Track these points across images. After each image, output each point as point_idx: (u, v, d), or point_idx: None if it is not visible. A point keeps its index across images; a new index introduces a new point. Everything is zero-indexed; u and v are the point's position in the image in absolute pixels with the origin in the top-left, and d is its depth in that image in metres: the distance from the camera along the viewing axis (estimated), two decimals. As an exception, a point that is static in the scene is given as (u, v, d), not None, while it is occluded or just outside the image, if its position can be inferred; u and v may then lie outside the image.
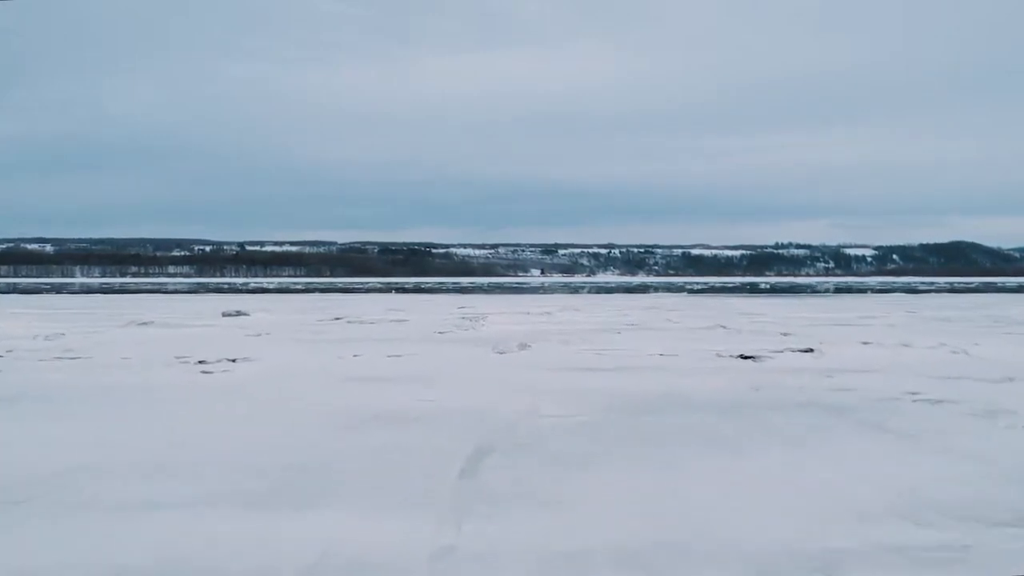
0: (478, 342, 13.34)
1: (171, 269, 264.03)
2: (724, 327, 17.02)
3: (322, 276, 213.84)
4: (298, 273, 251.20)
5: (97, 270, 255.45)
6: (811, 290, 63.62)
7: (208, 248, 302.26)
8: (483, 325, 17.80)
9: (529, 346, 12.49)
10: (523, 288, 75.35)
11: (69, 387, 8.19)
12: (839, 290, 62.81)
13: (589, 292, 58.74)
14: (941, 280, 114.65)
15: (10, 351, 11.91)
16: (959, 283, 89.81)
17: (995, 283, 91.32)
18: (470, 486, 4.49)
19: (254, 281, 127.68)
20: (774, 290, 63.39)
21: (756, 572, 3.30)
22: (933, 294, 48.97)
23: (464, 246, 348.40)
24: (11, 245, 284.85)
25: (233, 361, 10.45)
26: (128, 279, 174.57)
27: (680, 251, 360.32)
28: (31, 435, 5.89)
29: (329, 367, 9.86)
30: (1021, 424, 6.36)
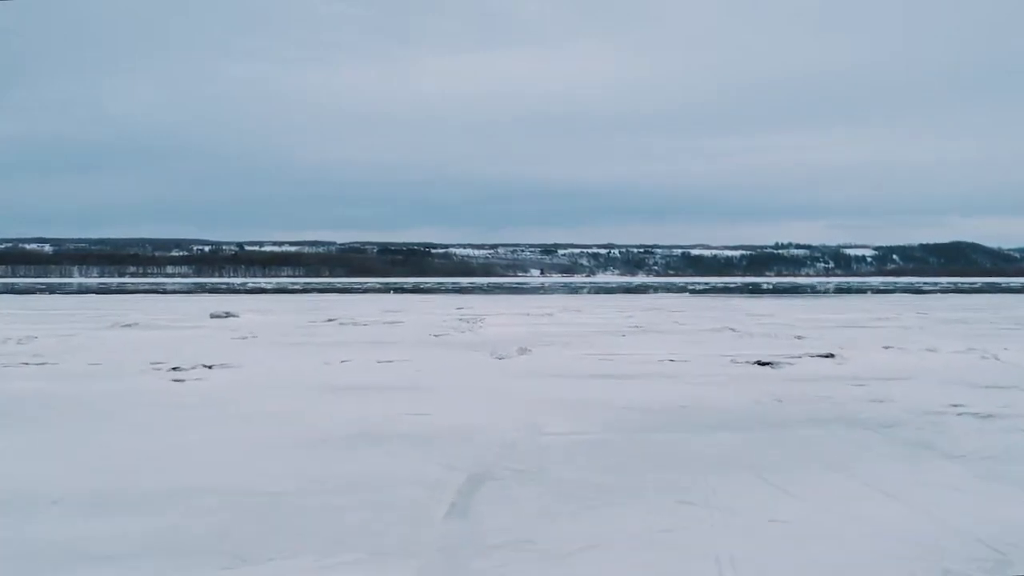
0: (475, 346, 12.57)
1: (169, 269, 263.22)
2: (733, 329, 16.25)
3: (321, 276, 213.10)
4: (297, 273, 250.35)
5: (95, 270, 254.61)
6: (814, 290, 62.86)
7: (207, 248, 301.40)
8: (481, 327, 17.03)
9: (529, 350, 11.72)
10: (523, 288, 74.61)
11: (21, 397, 7.42)
12: (842, 290, 62.06)
13: (589, 292, 57.99)
14: (943, 280, 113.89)
15: (-26, 356, 11.14)
16: (963, 283, 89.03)
17: (999, 283, 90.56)
18: (459, 530, 3.72)
19: (252, 281, 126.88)
20: (777, 290, 62.63)
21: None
22: (939, 295, 48.20)
23: (463, 246, 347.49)
24: (10, 245, 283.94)
25: (209, 368, 9.68)
26: (126, 279, 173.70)
27: (680, 251, 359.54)
28: (-43, 458, 5.12)
29: (312, 375, 9.08)
30: (1090, 444, 5.60)
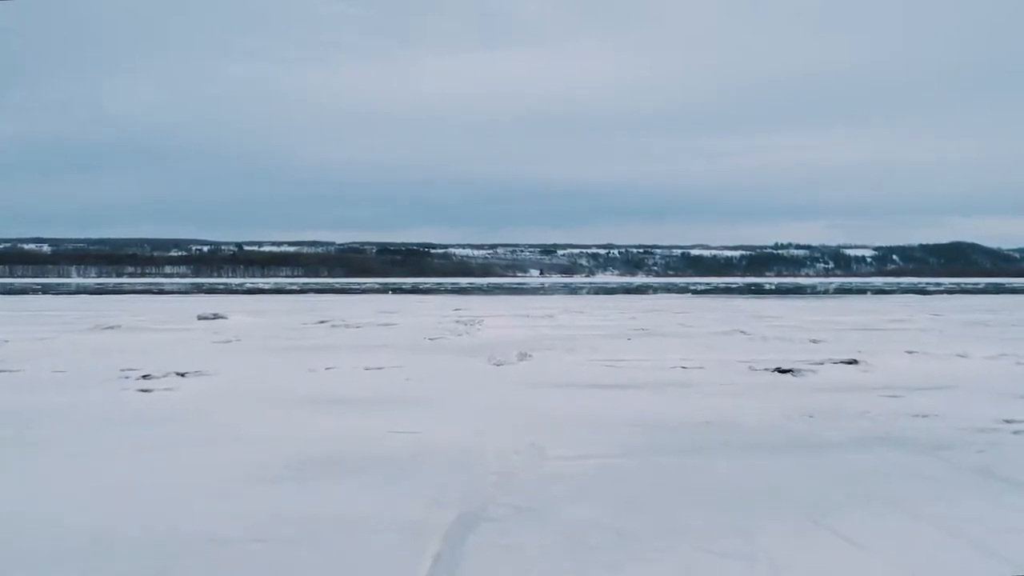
0: (472, 351, 11.78)
1: (168, 270, 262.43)
2: (743, 332, 15.46)
3: (320, 277, 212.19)
4: (295, 274, 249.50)
5: (93, 270, 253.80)
6: (817, 291, 62.11)
7: (205, 248, 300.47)
8: (479, 330, 16.23)
9: (530, 356, 10.93)
10: (522, 289, 73.83)
11: (-39, 413, 6.62)
12: (845, 291, 61.29)
13: (590, 293, 57.20)
14: (946, 281, 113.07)
15: (-68, 362, 10.34)
16: (966, 284, 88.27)
17: (1003, 284, 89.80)
18: (443, 600, 2.93)
19: (250, 282, 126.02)
20: (780, 291, 61.87)
21: None
22: (944, 295, 47.43)
23: (463, 246, 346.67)
24: (8, 245, 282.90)
25: (182, 376, 8.88)
26: (123, 280, 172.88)
27: (679, 251, 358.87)
28: None
29: (291, 385, 8.29)
30: None
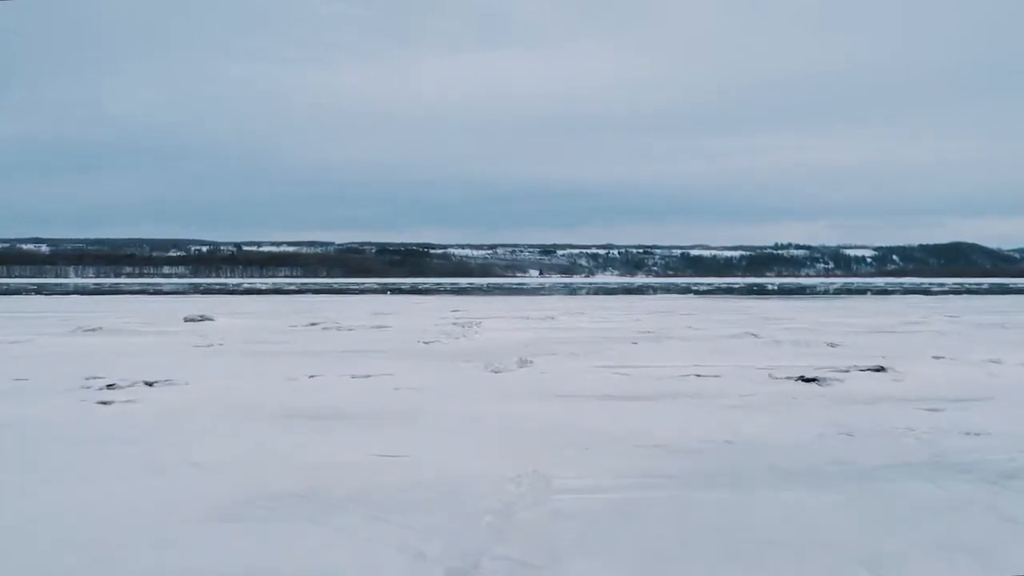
0: (468, 356, 11.02)
1: (166, 270, 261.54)
2: (754, 335, 14.70)
3: (319, 277, 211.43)
4: (294, 274, 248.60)
5: (91, 271, 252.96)
6: (821, 291, 61.38)
7: (204, 249, 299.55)
8: (477, 333, 15.47)
9: (530, 362, 10.18)
10: (522, 289, 73.09)
11: None
12: (849, 291, 60.56)
13: (591, 294, 56.46)
14: (948, 281, 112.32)
15: None
16: (970, 284, 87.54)
17: (1006, 284, 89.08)
18: None
19: (247, 282, 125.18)
20: (783, 291, 61.13)
21: None
22: (950, 296, 46.70)
23: (462, 247, 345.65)
24: (7, 245, 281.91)
25: (150, 385, 8.12)
26: (120, 280, 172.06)
27: (679, 252, 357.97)
28: None
29: (268, 395, 7.53)
30: None
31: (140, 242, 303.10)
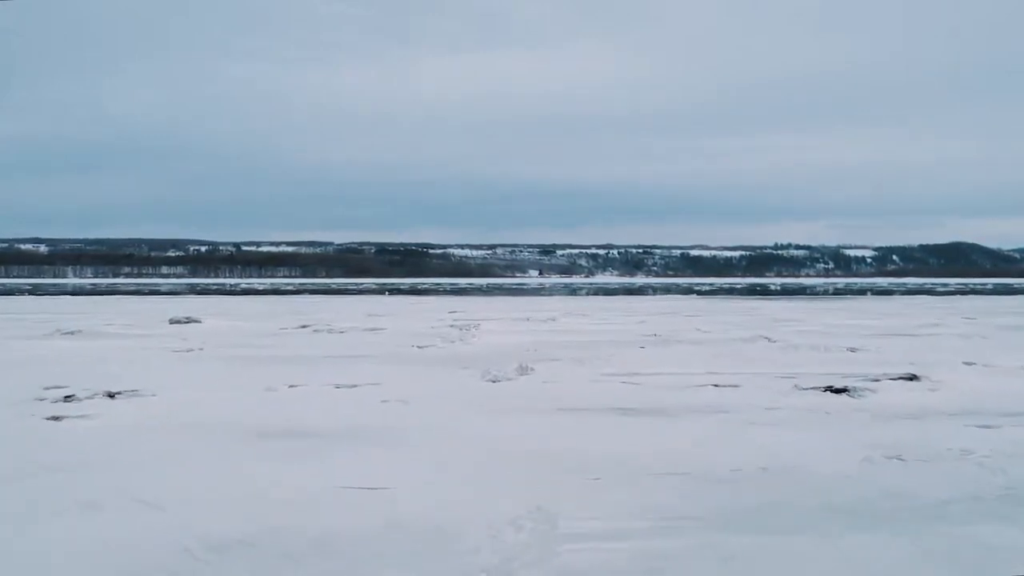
0: (465, 362, 10.25)
1: (164, 270, 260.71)
2: (768, 339, 13.93)
3: (318, 277, 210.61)
4: (293, 274, 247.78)
5: (89, 271, 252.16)
6: (825, 292, 60.64)
7: (203, 248, 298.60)
8: (474, 336, 14.69)
9: (531, 369, 9.40)
10: (521, 289, 72.33)
11: None
12: (853, 292, 59.82)
13: (591, 294, 55.68)
14: (952, 281, 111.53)
15: None
16: (974, 284, 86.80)
17: (1011, 284, 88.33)
18: None
19: (245, 282, 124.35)
20: (786, 292, 60.37)
21: None
22: (957, 296, 45.94)
23: (462, 247, 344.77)
24: (6, 246, 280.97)
25: (111, 397, 7.36)
26: (118, 280, 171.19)
27: (679, 252, 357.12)
28: None
29: (240, 409, 6.76)
30: None
31: (139, 242, 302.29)
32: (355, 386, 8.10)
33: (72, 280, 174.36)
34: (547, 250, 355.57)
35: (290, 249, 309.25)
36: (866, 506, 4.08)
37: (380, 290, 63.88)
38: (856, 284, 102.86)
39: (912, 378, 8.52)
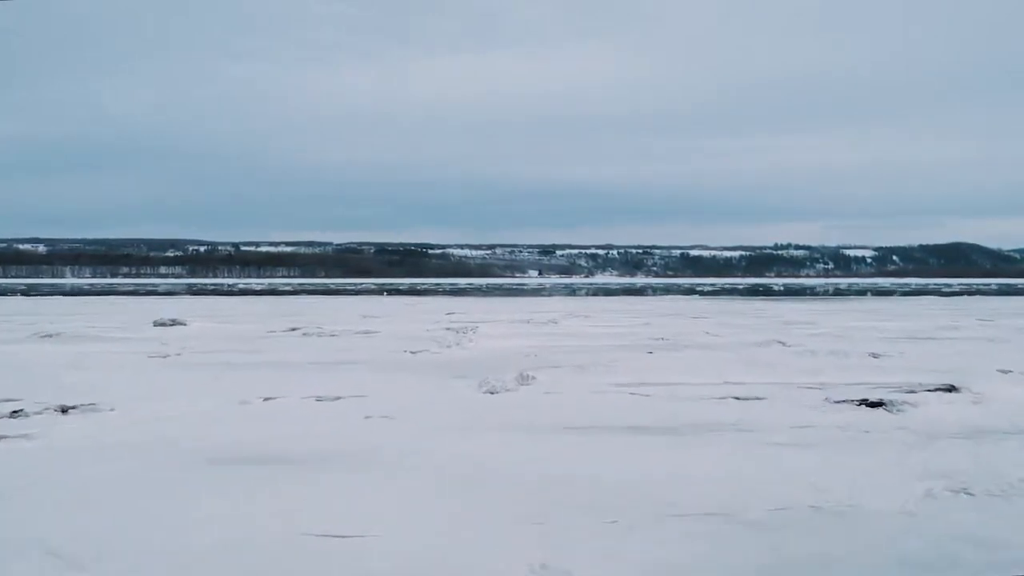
0: (460, 369, 9.49)
1: (163, 270, 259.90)
2: (782, 343, 13.16)
3: (317, 277, 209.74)
4: (292, 274, 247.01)
5: (88, 271, 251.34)
6: (828, 292, 59.88)
7: (202, 249, 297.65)
8: (471, 340, 13.93)
9: (532, 377, 8.64)
10: (521, 290, 71.56)
11: None
12: (856, 292, 59.09)
13: (592, 295, 54.90)
14: (954, 281, 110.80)
15: None
16: (978, 284, 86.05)
17: (1014, 285, 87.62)
18: None
19: (243, 282, 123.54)
20: (790, 292, 59.62)
21: None
22: (962, 296, 45.18)
23: (461, 247, 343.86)
24: (5, 245, 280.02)
25: (65, 412, 6.59)
26: (116, 280, 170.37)
27: (679, 252, 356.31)
28: None
29: (204, 427, 5.99)
30: None
31: (138, 242, 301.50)
32: (338, 398, 7.33)
33: (70, 280, 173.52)
34: (547, 250, 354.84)
35: (289, 249, 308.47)
36: (947, 560, 3.32)
37: (378, 290, 63.13)
38: (857, 284, 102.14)
39: (951, 389, 7.76)
